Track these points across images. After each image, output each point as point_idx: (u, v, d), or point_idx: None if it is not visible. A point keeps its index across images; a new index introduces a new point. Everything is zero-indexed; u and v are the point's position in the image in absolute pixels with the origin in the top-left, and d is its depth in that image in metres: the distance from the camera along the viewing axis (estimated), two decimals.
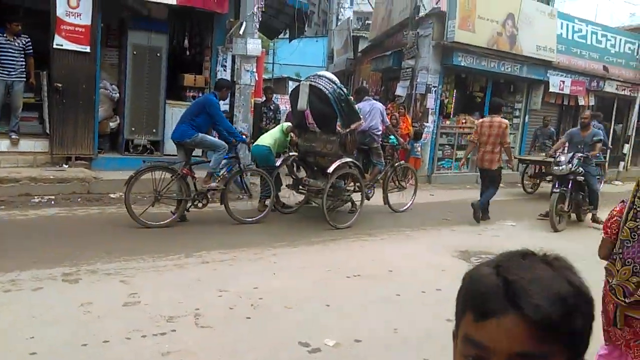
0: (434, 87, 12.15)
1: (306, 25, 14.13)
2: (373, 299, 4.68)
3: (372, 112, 8.12)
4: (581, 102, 14.87)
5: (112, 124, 9.14)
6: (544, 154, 10.84)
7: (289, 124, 8.07)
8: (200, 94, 9.76)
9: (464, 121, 13.21)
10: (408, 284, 5.16)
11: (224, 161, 7.02)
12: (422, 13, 12.59)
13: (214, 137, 7.23)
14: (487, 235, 7.48)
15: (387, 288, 4.97)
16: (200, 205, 6.80)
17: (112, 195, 7.81)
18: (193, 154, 7.17)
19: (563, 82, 14.08)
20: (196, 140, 6.72)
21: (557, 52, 13.69)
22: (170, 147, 9.24)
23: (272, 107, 11.81)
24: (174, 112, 9.31)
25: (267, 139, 7.89)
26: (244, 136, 7.63)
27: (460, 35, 11.72)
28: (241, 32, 8.87)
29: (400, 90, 12.55)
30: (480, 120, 8.97)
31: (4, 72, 7.83)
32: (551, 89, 13.93)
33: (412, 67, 12.36)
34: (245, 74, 9.06)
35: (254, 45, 8.95)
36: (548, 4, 14.61)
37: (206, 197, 6.83)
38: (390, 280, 5.23)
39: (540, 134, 12.88)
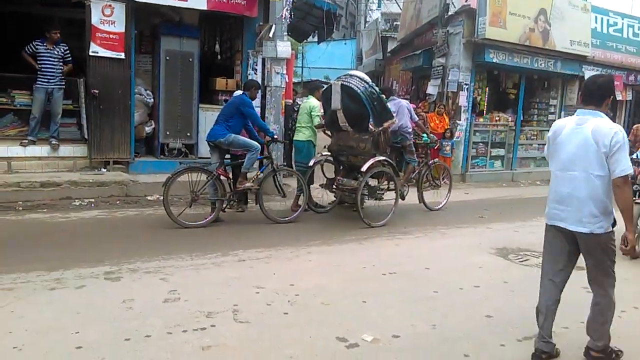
0: (466, 84, 12.01)
1: (334, 27, 14.16)
2: (410, 295, 4.64)
3: (398, 111, 8.08)
4: (619, 96, 14.45)
5: (148, 129, 9.33)
6: None
7: (318, 116, 8.02)
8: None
9: (497, 118, 13.01)
10: (445, 281, 5.10)
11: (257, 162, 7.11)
12: (451, 11, 12.48)
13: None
14: (524, 232, 7.33)
15: (423, 285, 4.92)
16: (237, 207, 6.89)
17: (149, 198, 7.97)
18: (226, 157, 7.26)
19: None
20: (229, 140, 6.81)
21: (592, 46, 13.37)
22: (204, 149, 9.39)
23: (295, 108, 11.86)
24: (207, 116, 9.46)
25: (306, 132, 7.98)
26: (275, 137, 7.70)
27: (491, 32, 11.56)
28: (271, 35, 8.96)
29: (432, 89, 12.46)
30: (636, 125, 8.40)
31: (44, 79, 8.09)
32: None
33: (442, 65, 12.25)
34: (275, 76, 9.14)
35: (283, 48, 9.02)
36: None
37: (245, 199, 6.91)
38: (427, 278, 5.18)
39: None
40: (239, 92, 7.59)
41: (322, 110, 7.95)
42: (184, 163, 6.85)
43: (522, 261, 5.99)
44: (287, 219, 7.18)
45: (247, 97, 7.03)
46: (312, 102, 8.02)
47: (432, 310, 4.32)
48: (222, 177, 6.79)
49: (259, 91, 7.63)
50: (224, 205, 6.82)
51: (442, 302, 4.52)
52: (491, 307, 4.43)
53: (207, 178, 6.67)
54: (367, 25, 23.30)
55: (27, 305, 3.92)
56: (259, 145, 7.02)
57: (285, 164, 7.91)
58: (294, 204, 7.64)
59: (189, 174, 6.57)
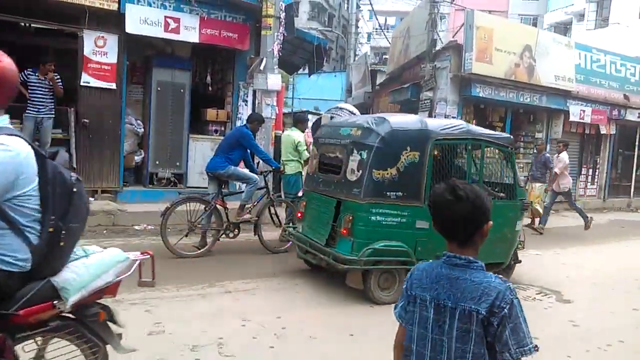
0: (453, 117, 12.19)
1: (325, 61, 14.40)
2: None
3: None
4: (603, 130, 14.77)
5: (137, 158, 9.34)
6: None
7: (305, 150, 8.13)
8: (223, 128, 9.98)
9: None
10: None
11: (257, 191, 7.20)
12: (439, 46, 12.77)
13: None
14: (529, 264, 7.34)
15: None
16: (231, 235, 6.93)
17: (136, 227, 7.93)
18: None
19: (583, 111, 14.02)
20: (228, 172, 6.90)
21: (577, 81, 13.69)
22: (193, 179, 9.43)
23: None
24: (197, 146, 9.51)
25: (293, 164, 8.11)
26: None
27: (478, 67, 11.82)
28: (262, 67, 9.10)
29: None
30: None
31: (34, 109, 8.09)
32: (571, 118, 13.87)
33: (430, 99, 12.46)
34: (266, 108, 9.24)
35: (274, 80, 9.16)
36: (565, 35, 14.70)
37: (238, 227, 6.96)
38: None
39: (533, 162, 11.63)
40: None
41: (311, 140, 8.03)
42: (182, 193, 6.88)
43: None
44: (283, 248, 7.23)
45: (248, 130, 7.12)
46: (296, 136, 8.12)
47: None
48: (219, 207, 6.83)
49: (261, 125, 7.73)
50: (220, 234, 6.84)
51: None
52: None
53: (205, 208, 6.71)
54: (356, 58, 23.71)
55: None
56: (258, 178, 7.09)
57: (280, 194, 7.92)
58: (282, 234, 7.63)
59: (187, 204, 6.60)
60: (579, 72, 13.89)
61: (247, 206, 7.05)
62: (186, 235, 6.69)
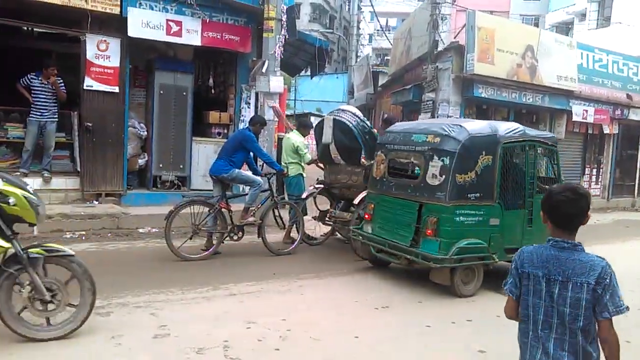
0: (455, 118, 12.19)
1: (326, 62, 14.42)
2: (403, 330, 4.62)
3: None
4: (606, 130, 14.75)
5: (141, 161, 9.36)
6: None
7: (306, 153, 8.15)
8: (225, 131, 9.99)
9: None
10: (438, 314, 5.09)
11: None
12: (440, 47, 12.77)
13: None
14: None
15: (416, 319, 4.91)
16: (235, 237, 6.96)
17: (140, 230, 7.94)
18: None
19: (586, 111, 13.99)
20: (232, 175, 6.91)
21: (579, 81, 13.67)
22: (196, 182, 9.45)
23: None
24: (200, 149, 9.53)
25: (294, 167, 8.08)
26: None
27: (480, 68, 11.80)
28: (264, 70, 9.11)
29: None
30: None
31: (37, 113, 8.13)
32: (574, 118, 13.85)
33: (432, 100, 12.46)
34: (268, 110, 9.25)
35: (276, 83, 9.17)
36: (567, 35, 14.68)
37: (242, 230, 6.99)
38: (420, 312, 5.17)
39: None
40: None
41: (314, 143, 8.05)
42: (186, 196, 6.90)
43: None
44: (287, 250, 7.24)
45: (251, 132, 7.13)
46: (295, 139, 8.14)
47: (425, 346, 4.30)
48: (223, 210, 6.84)
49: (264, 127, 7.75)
50: (224, 237, 6.85)
51: (435, 337, 4.50)
52: (484, 342, 4.41)
53: (209, 211, 6.72)
54: (358, 60, 23.73)
55: (13, 342, 3.85)
56: (262, 181, 7.10)
57: (284, 196, 7.92)
58: (286, 236, 7.64)
59: (191, 207, 6.61)
60: (582, 71, 13.87)
61: (251, 209, 7.06)
62: (190, 238, 6.69)
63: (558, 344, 2.15)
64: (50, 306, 3.89)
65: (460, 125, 5.79)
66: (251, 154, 7.24)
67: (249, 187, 7.15)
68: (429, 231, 5.55)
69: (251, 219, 7.04)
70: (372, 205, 6.46)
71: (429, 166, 5.69)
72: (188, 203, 6.60)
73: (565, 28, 30.37)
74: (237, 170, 6.94)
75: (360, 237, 6.52)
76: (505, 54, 12.20)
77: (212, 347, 3.93)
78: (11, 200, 3.67)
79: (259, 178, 7.11)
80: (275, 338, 4.21)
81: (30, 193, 3.82)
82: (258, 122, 7.41)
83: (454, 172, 5.50)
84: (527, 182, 6.16)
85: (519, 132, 6.16)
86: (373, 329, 4.60)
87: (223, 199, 6.88)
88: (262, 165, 7.82)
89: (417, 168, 6.31)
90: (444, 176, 5.55)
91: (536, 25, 28.98)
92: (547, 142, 6.58)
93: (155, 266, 6.23)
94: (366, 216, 6.55)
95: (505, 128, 6.10)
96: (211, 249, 6.75)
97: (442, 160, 5.58)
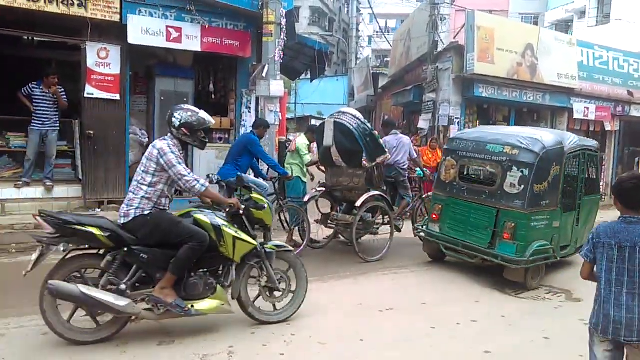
0: (457, 118, 12.19)
1: (326, 65, 14.42)
2: (408, 332, 4.61)
3: (398, 147, 8.25)
4: (607, 127, 14.72)
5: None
6: None
7: (306, 155, 8.18)
8: (227, 136, 10.00)
9: None
10: (442, 316, 5.07)
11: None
12: (440, 48, 12.77)
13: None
14: None
15: (421, 321, 4.89)
16: None
17: None
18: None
19: (587, 108, 13.98)
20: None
21: (580, 79, 13.65)
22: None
23: (287, 145, 12.03)
24: (202, 154, 9.49)
25: (294, 168, 8.15)
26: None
27: (480, 67, 11.80)
28: (264, 74, 9.12)
29: (423, 123, 12.63)
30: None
31: (38, 122, 8.14)
32: (575, 116, 13.83)
33: (433, 100, 12.46)
34: (269, 114, 9.25)
35: (276, 87, 9.17)
36: (567, 33, 14.68)
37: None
38: (424, 313, 5.15)
39: None
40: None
41: (315, 147, 8.06)
42: (193, 202, 6.90)
43: (518, 294, 5.98)
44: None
45: (255, 136, 7.16)
46: (298, 141, 8.23)
47: (431, 347, 4.29)
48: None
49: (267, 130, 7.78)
50: None
51: (440, 339, 4.48)
52: (489, 343, 4.40)
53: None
54: (358, 62, 23.74)
55: (19, 351, 3.86)
56: (268, 186, 7.11)
57: (288, 200, 7.91)
58: (289, 239, 7.64)
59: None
60: (582, 69, 13.85)
61: None
62: None
63: (630, 297, 2.71)
64: (277, 293, 4.67)
65: (536, 139, 6.31)
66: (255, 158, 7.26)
67: None
68: (506, 235, 6.07)
69: None
70: (440, 206, 7.00)
71: (507, 176, 6.21)
72: (197, 208, 6.59)
73: (564, 26, 30.34)
74: (243, 175, 6.94)
75: (426, 235, 7.10)
76: (505, 53, 12.19)
77: (217, 353, 3.93)
78: (265, 206, 4.65)
79: (265, 183, 7.14)
80: (280, 343, 4.21)
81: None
82: (262, 126, 7.46)
83: (532, 182, 6.05)
84: (579, 186, 6.95)
85: (576, 142, 6.83)
86: (378, 331, 4.58)
87: None
88: (268, 170, 7.84)
89: (491, 176, 6.93)
90: (522, 186, 6.08)
91: (535, 23, 28.95)
92: (592, 149, 7.36)
93: None
94: (433, 216, 7.07)
95: (568, 140, 6.77)
96: None
97: (522, 172, 6.11)
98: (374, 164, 7.19)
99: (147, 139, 9.38)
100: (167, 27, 8.69)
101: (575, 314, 5.25)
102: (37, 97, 8.12)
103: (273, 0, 8.92)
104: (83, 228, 3.92)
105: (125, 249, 4.03)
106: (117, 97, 8.58)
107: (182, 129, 4.27)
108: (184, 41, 8.87)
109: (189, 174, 4.23)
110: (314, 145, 8.43)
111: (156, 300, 4.03)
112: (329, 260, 7.30)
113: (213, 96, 10.54)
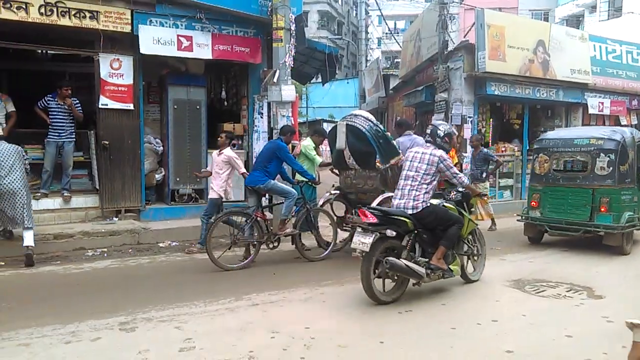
0: (470, 117, 12.13)
1: (337, 69, 14.42)
2: (428, 333, 4.58)
3: (413, 147, 8.16)
4: (623, 121, 14.53)
5: (158, 176, 9.46)
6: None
7: (312, 153, 8.20)
8: (240, 142, 10.05)
9: (503, 149, 13.07)
10: (462, 316, 5.03)
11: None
12: (450, 47, 12.73)
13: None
14: (539, 262, 7.26)
15: (441, 322, 4.86)
16: (271, 246, 7.12)
17: (160, 245, 8.01)
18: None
19: (602, 103, 13.83)
20: (268, 186, 7.05)
21: (593, 73, 13.53)
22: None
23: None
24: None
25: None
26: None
27: (492, 65, 11.74)
28: (275, 79, 9.14)
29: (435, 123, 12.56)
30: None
31: (55, 134, 8.27)
32: (590, 111, 13.69)
33: (445, 100, 12.41)
34: (281, 119, 9.26)
35: (288, 92, 9.19)
36: (578, 28, 14.54)
37: (278, 239, 7.19)
38: (444, 314, 5.12)
39: (470, 161, 10.99)
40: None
41: (328, 150, 8.06)
42: (226, 208, 7.06)
43: (539, 292, 5.91)
44: (320, 257, 7.41)
45: (283, 142, 7.26)
46: (303, 144, 8.32)
47: (451, 347, 4.25)
48: (259, 220, 6.97)
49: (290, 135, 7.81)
50: (260, 246, 6.99)
51: (461, 339, 4.45)
52: (511, 342, 4.35)
53: (246, 221, 6.86)
54: (368, 64, 23.71)
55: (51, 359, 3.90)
56: (296, 192, 7.20)
57: (316, 203, 7.91)
58: (321, 242, 7.74)
59: (229, 218, 6.82)
60: (595, 64, 13.72)
61: (287, 220, 7.15)
62: (229, 249, 6.87)
63: None
64: (477, 258, 6.24)
65: (615, 130, 8.20)
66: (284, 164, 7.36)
67: (283, 198, 7.22)
68: (603, 208, 7.70)
69: (289, 230, 7.20)
70: (538, 195, 8.49)
71: (596, 161, 7.90)
72: (227, 214, 6.77)
73: (575, 21, 30.08)
74: (272, 181, 7.07)
75: (530, 220, 8.53)
76: (516, 51, 12.12)
77: (238, 359, 3.93)
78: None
79: (293, 190, 7.21)
80: (300, 347, 4.20)
81: None
82: (289, 132, 7.57)
83: (618, 164, 7.75)
84: None
85: (637, 134, 8.51)
86: (398, 333, 4.56)
87: (259, 208, 7.02)
88: (294, 174, 7.92)
89: (582, 164, 8.48)
90: (610, 168, 7.77)
91: (546, 19, 28.76)
92: None
93: (177, 280, 6.28)
94: (533, 203, 8.50)
95: (633, 132, 8.52)
96: (250, 258, 6.91)
97: (609, 157, 7.81)
98: (387, 165, 7.17)
99: (161, 148, 9.47)
100: (178, 36, 8.78)
101: (598, 312, 5.18)
102: (52, 109, 8.24)
103: (282, 6, 8.95)
104: (399, 218, 5.23)
105: (416, 232, 5.32)
106: (131, 106, 8.68)
107: (445, 138, 5.73)
108: (195, 49, 8.95)
109: (458, 172, 5.74)
110: (326, 148, 8.45)
111: (435, 267, 5.36)
112: (346, 263, 7.27)
113: (225, 103, 10.61)
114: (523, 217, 8.66)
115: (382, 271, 5.20)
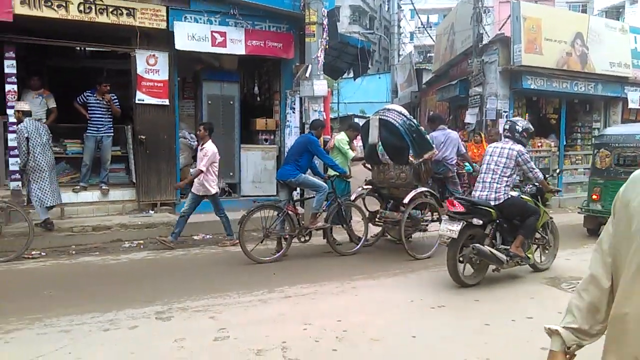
0: (505, 112, 11.89)
1: (369, 63, 14.37)
2: (461, 329, 4.54)
3: (446, 142, 8.15)
4: None
5: (192, 170, 9.58)
6: None
7: (346, 147, 8.18)
8: (272, 137, 10.13)
9: (539, 144, 12.77)
10: (496, 312, 4.97)
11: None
12: (485, 40, 12.51)
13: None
14: (576, 260, 7.08)
15: (474, 318, 4.81)
16: (303, 239, 7.17)
17: (195, 237, 8.16)
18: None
19: None
20: (299, 180, 7.10)
21: (633, 67, 13.09)
22: (246, 188, 9.61)
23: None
24: (249, 156, 9.69)
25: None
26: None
27: (528, 59, 11.48)
28: (307, 74, 9.17)
29: (470, 118, 12.40)
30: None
31: (94, 129, 8.49)
32: (630, 105, 13.26)
33: (480, 94, 12.20)
34: (313, 114, 9.30)
35: (320, 86, 9.21)
36: (618, 19, 14.10)
37: (310, 233, 7.23)
38: (477, 310, 5.06)
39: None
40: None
41: (360, 145, 8.05)
42: (258, 201, 7.13)
43: (574, 290, 5.78)
44: (351, 251, 7.39)
45: (314, 136, 7.30)
46: (338, 137, 8.28)
47: (485, 344, 4.21)
48: (291, 213, 7.02)
49: (322, 129, 7.86)
50: (292, 240, 7.05)
51: (494, 336, 4.40)
52: (546, 339, 4.27)
53: (277, 215, 6.93)
54: (400, 58, 23.52)
55: (83, 346, 4.03)
56: (327, 187, 7.23)
57: (347, 197, 7.91)
58: (352, 236, 7.74)
59: (261, 212, 6.83)
60: (636, 56, 13.26)
61: (319, 214, 7.19)
62: (262, 242, 6.95)
63: None
64: (548, 248, 6.50)
65: None
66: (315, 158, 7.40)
67: (314, 192, 7.27)
68: None
69: (320, 223, 7.22)
70: (599, 189, 8.72)
71: None
72: (258, 208, 6.82)
73: (615, 12, 29.17)
74: (303, 175, 7.13)
75: (590, 213, 8.82)
76: (553, 43, 11.82)
77: (271, 349, 3.98)
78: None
79: (324, 184, 7.24)
80: (332, 339, 4.23)
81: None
82: (319, 126, 7.60)
83: None
84: None
85: None
86: (430, 328, 4.54)
87: (290, 202, 7.08)
88: (326, 169, 7.94)
89: None
90: None
91: (584, 11, 27.96)
92: None
93: (211, 271, 6.39)
94: (594, 197, 8.78)
95: None
96: (281, 252, 6.97)
97: None
98: (420, 160, 7.13)
99: (195, 142, 9.61)
100: (212, 32, 8.89)
101: None
102: (91, 104, 8.46)
103: (314, 1, 8.97)
104: (484, 208, 5.58)
105: (497, 221, 5.68)
106: (167, 102, 8.84)
107: (524, 133, 5.93)
108: (228, 45, 9.05)
109: (535, 167, 6.02)
110: (359, 143, 8.42)
111: (514, 254, 5.67)
112: (378, 258, 7.28)
113: (258, 98, 10.69)
114: (584, 210, 8.98)
115: (467, 256, 5.58)
